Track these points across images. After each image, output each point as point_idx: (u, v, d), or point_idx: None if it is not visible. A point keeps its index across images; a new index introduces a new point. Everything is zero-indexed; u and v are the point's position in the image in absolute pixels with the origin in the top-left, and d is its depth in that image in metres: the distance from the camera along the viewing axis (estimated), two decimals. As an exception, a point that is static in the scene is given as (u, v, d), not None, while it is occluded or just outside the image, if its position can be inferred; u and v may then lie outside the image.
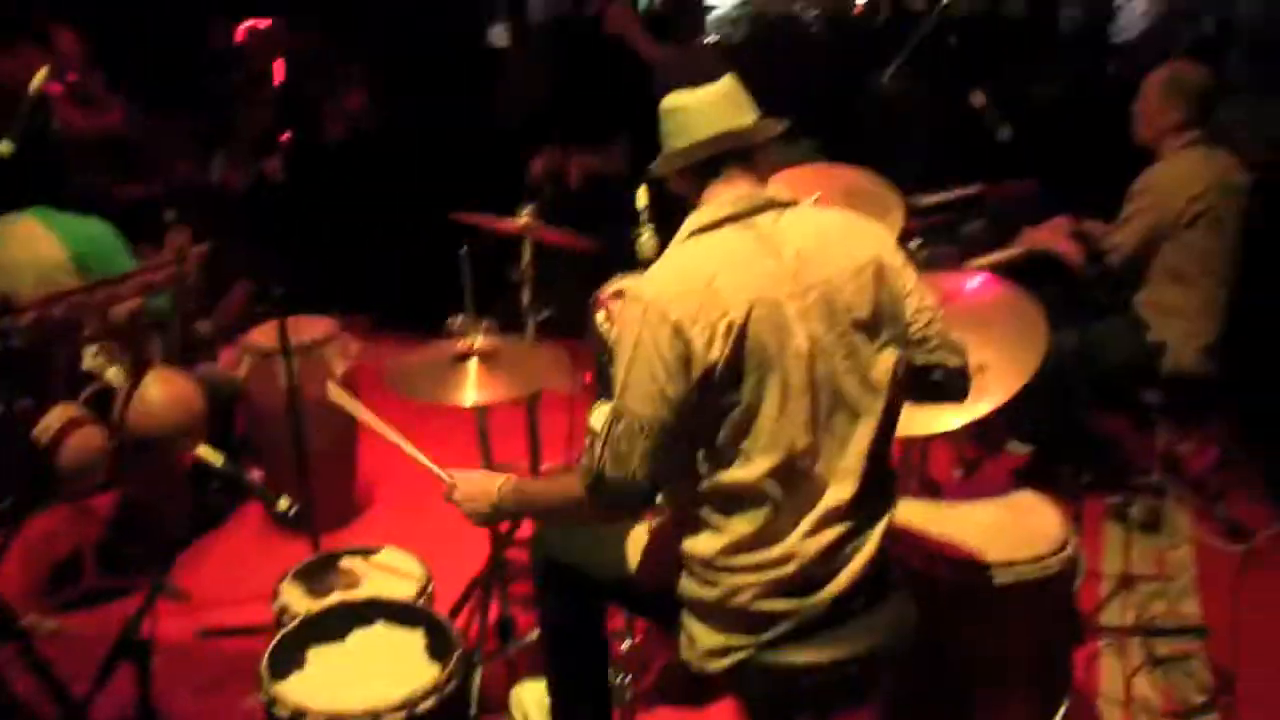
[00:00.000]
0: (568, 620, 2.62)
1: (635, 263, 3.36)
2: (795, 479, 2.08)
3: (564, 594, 2.58)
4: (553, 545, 2.59)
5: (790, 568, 2.10)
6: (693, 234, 2.15)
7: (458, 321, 3.19)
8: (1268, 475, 4.34)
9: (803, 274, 2.08)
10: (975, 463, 4.32)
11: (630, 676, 3.07)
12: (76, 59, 5.34)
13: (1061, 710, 2.79)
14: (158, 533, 3.85)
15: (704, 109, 2.17)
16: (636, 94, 3.69)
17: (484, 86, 6.85)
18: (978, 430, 4.19)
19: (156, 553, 3.63)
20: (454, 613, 3.24)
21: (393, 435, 2.69)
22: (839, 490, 2.11)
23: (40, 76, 3.30)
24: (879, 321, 2.14)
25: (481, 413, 3.24)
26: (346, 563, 2.90)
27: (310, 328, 4.15)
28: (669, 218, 2.41)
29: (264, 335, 4.08)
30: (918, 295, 2.21)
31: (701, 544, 2.14)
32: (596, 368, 3.54)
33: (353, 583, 2.81)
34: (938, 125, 5.00)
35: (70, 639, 3.41)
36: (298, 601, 2.70)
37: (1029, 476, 4.05)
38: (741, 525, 2.10)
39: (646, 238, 3.32)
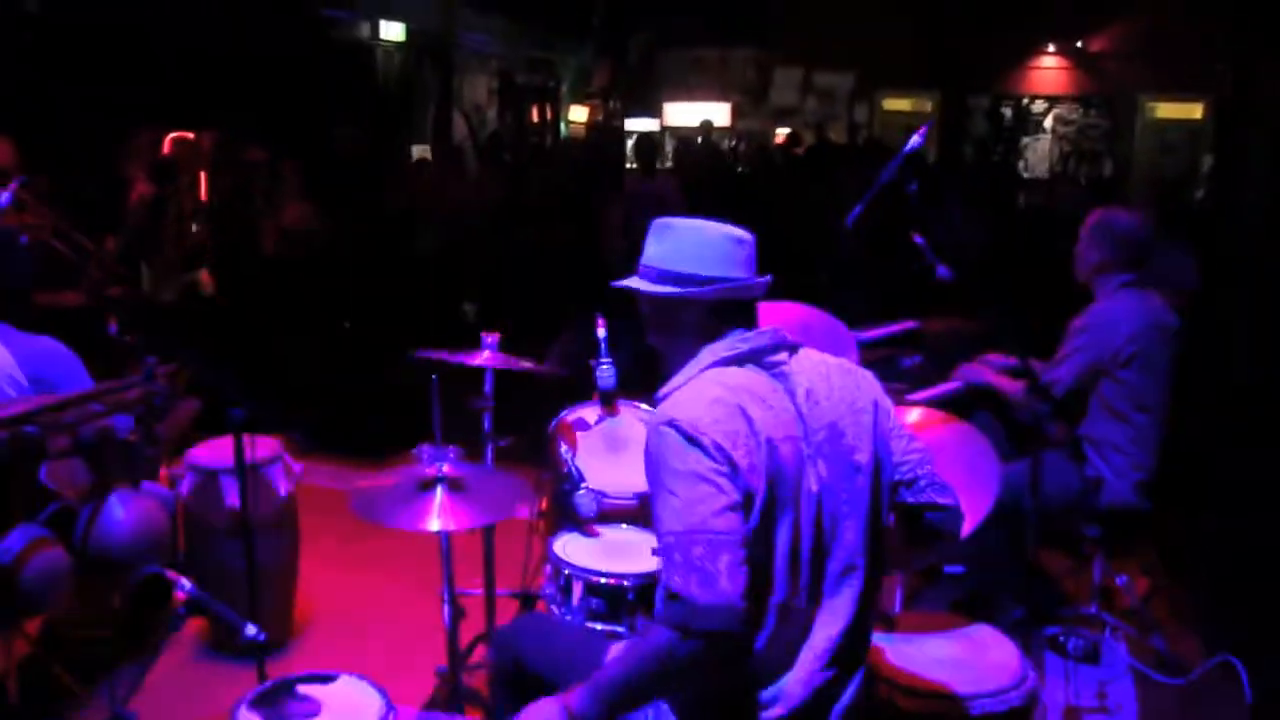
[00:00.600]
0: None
1: (593, 391, 3.43)
2: (790, 616, 2.11)
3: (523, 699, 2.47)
4: (512, 648, 2.58)
5: (779, 710, 2.11)
6: (713, 365, 2.17)
7: (423, 448, 3.20)
8: (1194, 605, 4.47)
9: (813, 415, 2.14)
10: (915, 592, 4.39)
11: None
12: (13, 167, 5.29)
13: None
14: (88, 652, 3.73)
15: (729, 248, 2.22)
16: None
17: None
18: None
19: (90, 674, 3.53)
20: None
21: None
22: (828, 630, 2.14)
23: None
24: (875, 463, 2.19)
25: (445, 536, 3.23)
26: (304, 689, 2.84)
27: (255, 447, 4.10)
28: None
29: (206, 453, 4.03)
30: (905, 437, 2.29)
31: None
32: (554, 495, 3.57)
33: (312, 711, 2.76)
34: (877, 263, 5.18)
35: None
36: (258, 730, 2.64)
37: (966, 608, 4.14)
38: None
39: (606, 368, 3.39)
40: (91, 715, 3.53)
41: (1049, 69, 16.36)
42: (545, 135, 16.86)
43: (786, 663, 2.12)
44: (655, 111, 18.57)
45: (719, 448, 2.00)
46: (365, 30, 12.81)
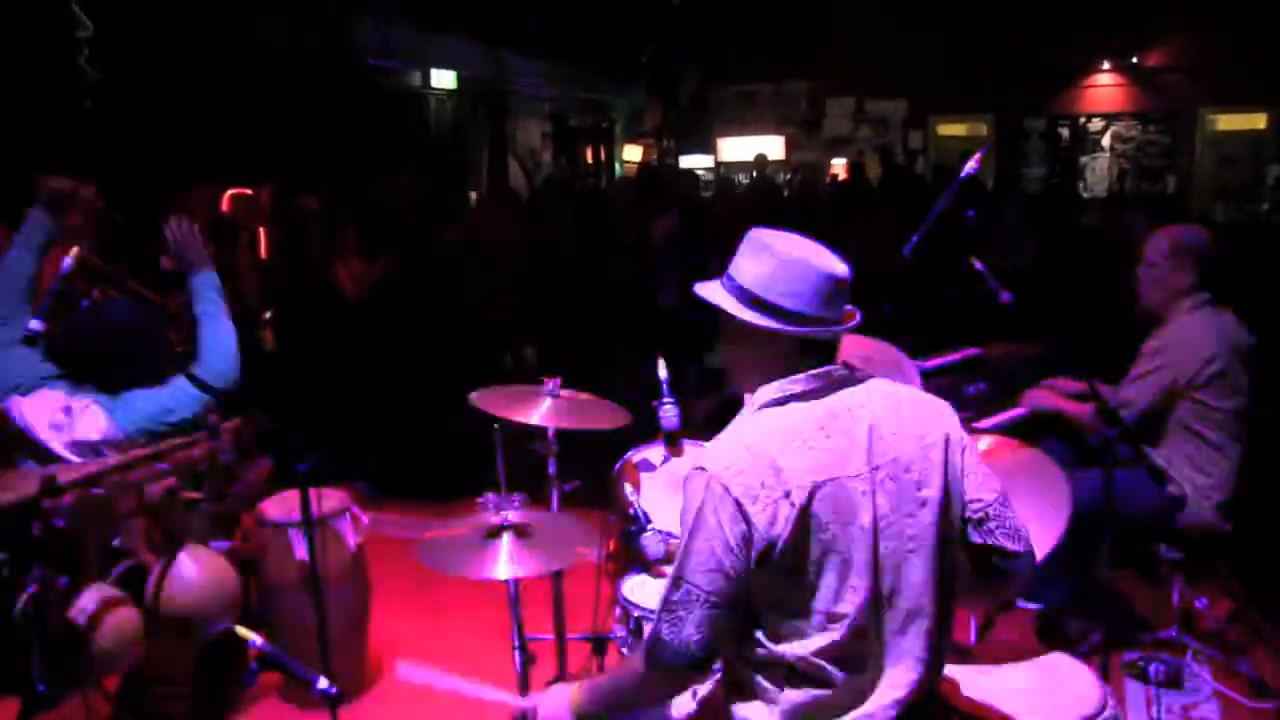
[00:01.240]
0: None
1: (657, 432, 3.42)
2: (854, 659, 2.08)
3: None
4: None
5: None
6: (763, 407, 2.16)
7: (489, 496, 3.20)
8: (1277, 628, 4.35)
9: (875, 450, 2.10)
10: (990, 622, 4.31)
11: None
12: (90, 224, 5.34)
13: None
14: (166, 709, 3.76)
15: (827, 288, 2.13)
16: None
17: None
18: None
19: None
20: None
21: (467, 687, 2.76)
22: (898, 674, 2.11)
23: (73, 255, 3.34)
24: (945, 498, 2.15)
25: (513, 583, 3.23)
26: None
27: (323, 500, 4.14)
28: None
29: (276, 508, 4.07)
30: (980, 474, 2.23)
31: (754, 711, 2.13)
32: (622, 537, 3.55)
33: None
34: (937, 289, 5.13)
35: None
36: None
37: (1043, 636, 4.07)
38: (795, 696, 2.09)
39: (669, 408, 3.37)
40: (172, 771, 3.56)
41: (1104, 86, 16.16)
42: (600, 176, 16.95)
43: (854, 705, 2.10)
44: (709, 147, 18.63)
45: (739, 506, 2.03)
46: (416, 79, 12.98)
